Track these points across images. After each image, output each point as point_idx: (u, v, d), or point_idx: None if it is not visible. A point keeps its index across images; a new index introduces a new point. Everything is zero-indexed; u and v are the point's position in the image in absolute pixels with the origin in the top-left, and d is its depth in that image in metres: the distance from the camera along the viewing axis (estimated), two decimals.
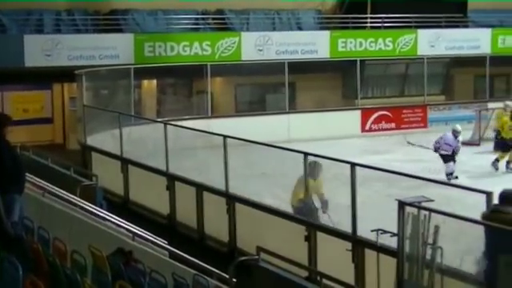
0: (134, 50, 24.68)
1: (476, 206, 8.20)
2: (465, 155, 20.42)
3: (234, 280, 9.01)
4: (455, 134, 18.39)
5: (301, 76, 27.31)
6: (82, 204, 12.47)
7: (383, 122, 27.78)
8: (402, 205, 8.28)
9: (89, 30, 25.08)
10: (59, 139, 25.74)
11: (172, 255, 10.42)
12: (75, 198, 12.97)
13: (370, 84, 28.80)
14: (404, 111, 28.27)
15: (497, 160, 19.44)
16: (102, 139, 18.65)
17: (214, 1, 27.05)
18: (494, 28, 30.69)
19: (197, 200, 13.90)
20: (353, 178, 10.05)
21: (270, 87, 28.26)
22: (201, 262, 9.82)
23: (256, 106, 27.92)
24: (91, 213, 12.04)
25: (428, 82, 28.82)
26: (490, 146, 21.63)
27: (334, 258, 10.46)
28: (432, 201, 8.36)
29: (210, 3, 27.07)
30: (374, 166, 10.74)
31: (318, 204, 11.94)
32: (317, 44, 27.49)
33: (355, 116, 27.39)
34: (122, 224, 11.56)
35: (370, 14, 28.81)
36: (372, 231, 9.98)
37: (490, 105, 27.43)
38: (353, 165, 10.02)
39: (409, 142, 19.45)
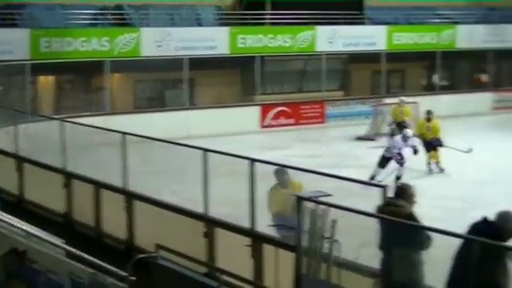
0: (30, 45, 24.15)
1: (373, 200, 8.33)
2: (361, 149, 20.71)
3: (133, 278, 8.90)
4: (405, 138, 18.89)
5: (200, 72, 27.27)
6: None
7: (282, 118, 28.05)
8: (299, 200, 8.35)
9: None
10: None
11: (69, 254, 10.22)
12: None
13: (269, 80, 29.00)
14: (302, 107, 28.62)
15: (429, 163, 20.03)
16: None
17: None
18: (390, 25, 31.40)
19: (94, 198, 13.72)
20: (252, 173, 10.08)
21: (170, 83, 28.14)
22: (98, 260, 9.66)
23: (155, 102, 27.75)
24: None
25: (326, 78, 29.24)
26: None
27: (234, 254, 10.47)
28: (330, 195, 8.45)
29: None
30: (273, 161, 10.79)
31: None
32: (216, 40, 27.52)
33: (254, 112, 27.57)
34: (15, 223, 11.26)
35: (270, 11, 29.01)
36: (269, 226, 10.06)
37: (386, 100, 28.11)
38: (252, 160, 10.05)
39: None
